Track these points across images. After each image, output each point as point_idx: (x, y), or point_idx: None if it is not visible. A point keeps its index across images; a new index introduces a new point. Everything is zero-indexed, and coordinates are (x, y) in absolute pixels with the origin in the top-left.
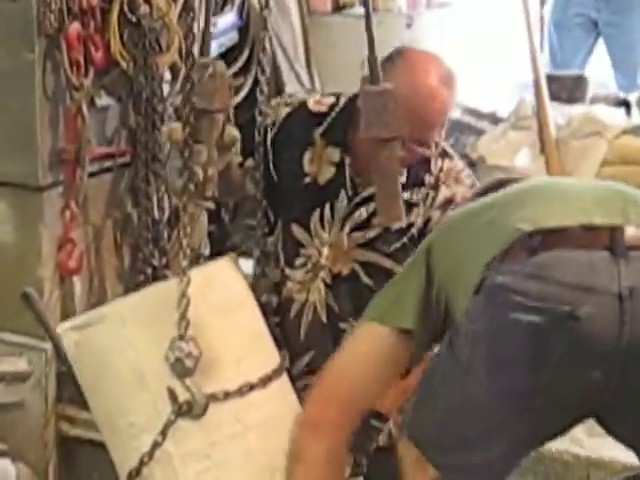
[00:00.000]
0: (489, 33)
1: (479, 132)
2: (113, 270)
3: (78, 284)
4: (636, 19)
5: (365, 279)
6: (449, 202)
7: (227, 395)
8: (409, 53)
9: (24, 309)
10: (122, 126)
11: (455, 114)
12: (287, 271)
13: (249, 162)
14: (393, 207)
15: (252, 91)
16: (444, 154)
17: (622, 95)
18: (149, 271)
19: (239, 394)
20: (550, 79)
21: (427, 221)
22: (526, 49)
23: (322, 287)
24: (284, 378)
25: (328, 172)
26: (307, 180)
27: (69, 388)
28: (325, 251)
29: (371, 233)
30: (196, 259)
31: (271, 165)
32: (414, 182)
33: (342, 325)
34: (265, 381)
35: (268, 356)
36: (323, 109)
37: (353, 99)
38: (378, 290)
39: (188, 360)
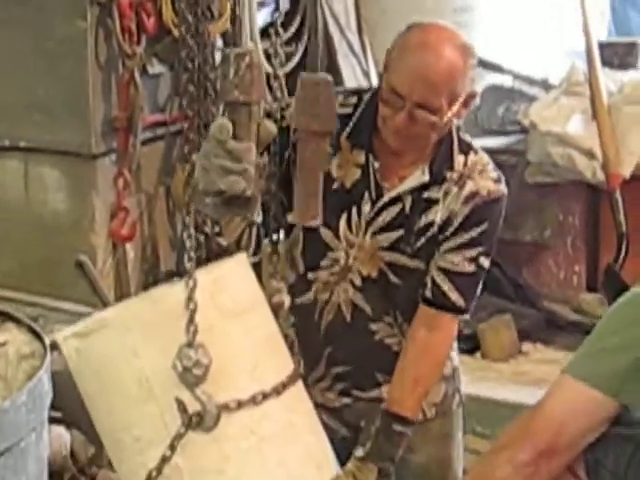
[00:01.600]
0: None
1: (531, 98)
2: (166, 238)
3: (131, 252)
4: None
5: (394, 279)
6: (474, 195)
7: (240, 405)
8: (426, 24)
9: (78, 277)
10: (174, 94)
11: (507, 81)
12: (310, 275)
13: (265, 159)
14: (310, 206)
15: (303, 59)
16: (468, 149)
17: None
18: (202, 239)
19: (253, 403)
20: (602, 45)
21: (449, 217)
22: (579, 14)
23: (350, 288)
24: (299, 385)
25: (354, 175)
26: (335, 185)
27: None
28: (353, 253)
29: (393, 235)
30: (249, 227)
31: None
32: (435, 180)
33: (373, 326)
34: (279, 389)
35: (282, 362)
36: (348, 111)
37: (373, 96)
38: (407, 289)
39: (197, 369)
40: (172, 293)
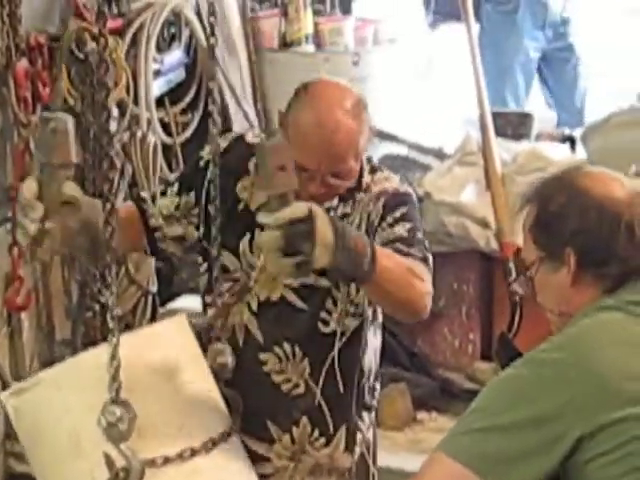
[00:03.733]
0: (435, 69)
1: (425, 168)
2: (61, 306)
3: (26, 321)
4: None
5: (297, 302)
6: (381, 192)
7: (167, 461)
8: (312, 86)
9: None
10: None
11: (402, 150)
12: (208, 298)
13: (185, 199)
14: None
15: (199, 128)
16: (376, 170)
17: (567, 131)
18: (97, 308)
19: (180, 460)
20: (495, 115)
21: (366, 221)
22: (472, 85)
23: (245, 311)
24: (233, 442)
25: (260, 198)
26: (240, 207)
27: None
28: (254, 275)
29: (291, 260)
30: (144, 296)
31: (209, 197)
32: (347, 199)
33: (262, 356)
34: (209, 446)
35: (214, 420)
36: (257, 140)
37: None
38: (310, 314)
39: (121, 424)
40: (100, 352)
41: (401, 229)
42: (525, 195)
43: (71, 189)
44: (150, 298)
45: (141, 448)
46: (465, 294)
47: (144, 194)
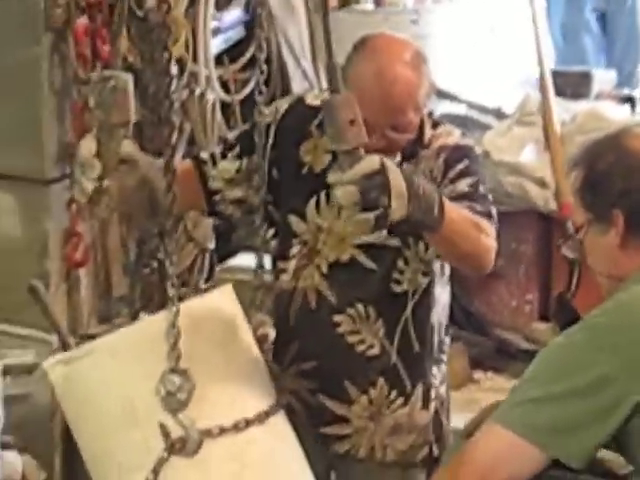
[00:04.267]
0: (496, 28)
1: (484, 127)
2: (119, 264)
3: (84, 277)
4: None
5: (367, 263)
6: (442, 148)
7: (223, 431)
8: (371, 40)
9: (30, 302)
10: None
11: (461, 110)
12: (280, 264)
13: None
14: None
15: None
16: (435, 125)
17: (627, 91)
18: (155, 264)
19: (235, 430)
20: (555, 75)
21: (429, 177)
22: (532, 44)
23: (316, 274)
24: (281, 415)
25: (324, 161)
26: (304, 170)
27: None
28: (322, 237)
29: (371, 215)
30: (202, 253)
31: (272, 161)
32: (408, 156)
33: (336, 318)
34: (262, 417)
35: (265, 391)
36: (319, 103)
37: None
38: (380, 274)
39: (180, 394)
40: (157, 321)
41: (463, 185)
42: (574, 157)
43: (129, 148)
44: (207, 255)
45: (197, 418)
46: (523, 254)
47: (204, 155)
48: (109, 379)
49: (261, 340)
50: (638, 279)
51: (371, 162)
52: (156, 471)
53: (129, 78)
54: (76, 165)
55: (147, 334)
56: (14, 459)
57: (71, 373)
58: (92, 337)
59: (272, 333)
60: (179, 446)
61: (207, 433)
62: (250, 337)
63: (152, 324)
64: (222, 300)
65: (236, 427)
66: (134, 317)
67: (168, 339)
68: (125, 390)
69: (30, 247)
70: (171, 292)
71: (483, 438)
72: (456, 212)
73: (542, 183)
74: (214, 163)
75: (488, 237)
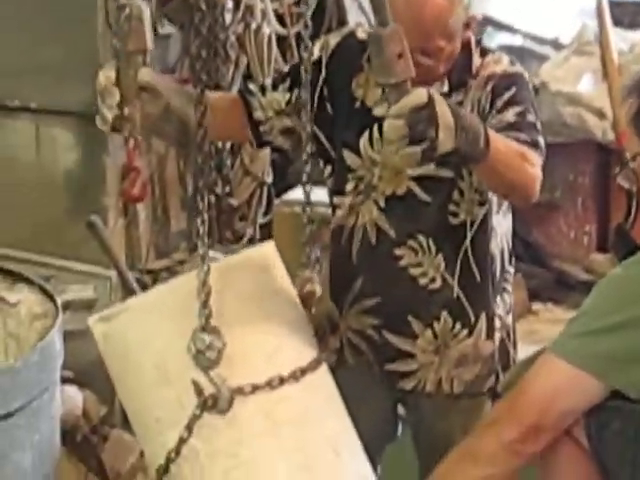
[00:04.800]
0: None
1: (541, 58)
2: (176, 198)
3: (142, 212)
4: None
5: (422, 195)
6: (490, 77)
7: (255, 389)
8: None
9: (89, 238)
10: (184, 54)
11: (517, 40)
12: (336, 200)
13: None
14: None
15: (313, 19)
16: (483, 53)
17: None
18: (212, 199)
19: (269, 388)
20: (613, 4)
21: (477, 107)
22: None
23: (374, 208)
24: (322, 371)
25: (375, 94)
26: (357, 105)
27: None
28: (377, 171)
29: (417, 148)
30: (259, 187)
31: (325, 96)
32: (456, 87)
33: (397, 251)
34: (298, 375)
35: (304, 348)
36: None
37: None
38: (436, 206)
39: (210, 352)
40: (190, 279)
41: (510, 114)
42: (627, 86)
43: (147, 76)
44: (265, 189)
45: (230, 376)
46: (581, 185)
47: (252, 86)
48: (143, 337)
49: (307, 298)
50: None
51: (419, 95)
52: (190, 428)
53: (144, 5)
54: (97, 94)
55: (180, 292)
56: (75, 394)
57: (109, 330)
58: (151, 272)
59: (319, 290)
60: (211, 403)
61: (239, 391)
62: (291, 294)
63: (186, 282)
64: (262, 257)
65: (270, 384)
66: (192, 251)
67: (199, 297)
68: (158, 348)
69: (88, 183)
70: (201, 250)
71: (541, 370)
72: (501, 142)
73: (600, 113)
74: (264, 94)
75: (534, 166)
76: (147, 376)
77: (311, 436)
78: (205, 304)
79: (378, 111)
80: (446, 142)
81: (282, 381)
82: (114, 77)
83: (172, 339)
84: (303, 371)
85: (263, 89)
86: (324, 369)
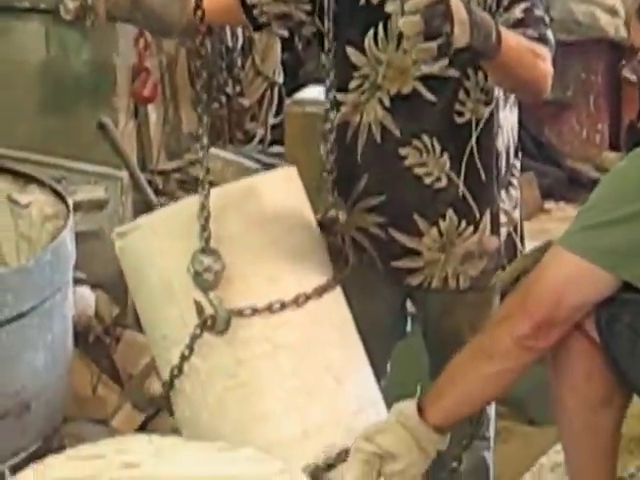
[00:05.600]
0: None
1: None
2: (187, 99)
3: (153, 113)
4: None
5: (428, 95)
6: None
7: (255, 311)
8: None
9: (100, 139)
10: None
11: None
12: (339, 96)
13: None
14: None
15: None
16: None
17: None
18: (223, 99)
19: (269, 311)
20: None
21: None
22: None
23: (378, 107)
24: (330, 298)
25: None
26: (362, 1)
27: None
28: (382, 70)
29: (433, 43)
30: (270, 87)
31: None
32: None
33: (402, 151)
34: (301, 301)
35: (312, 274)
36: None
37: None
38: (441, 106)
39: (208, 274)
40: (196, 201)
41: (517, 11)
42: None
43: None
44: (276, 89)
45: (230, 297)
46: (593, 84)
47: None
48: (151, 254)
49: (331, 222)
50: None
51: None
52: (191, 346)
53: None
54: None
55: (185, 213)
56: (87, 294)
57: (123, 245)
58: (162, 172)
59: (342, 216)
60: (210, 324)
61: (239, 313)
62: (307, 219)
63: (192, 204)
64: (279, 180)
65: (270, 308)
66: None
67: (199, 220)
68: (165, 266)
69: (98, 84)
70: (201, 175)
71: (551, 264)
72: (512, 39)
73: (613, 11)
74: None
75: (545, 62)
76: (155, 293)
77: (311, 362)
78: (205, 227)
79: (387, 7)
80: (461, 37)
81: (283, 306)
82: None
83: (177, 258)
84: (307, 297)
85: None
86: (333, 296)
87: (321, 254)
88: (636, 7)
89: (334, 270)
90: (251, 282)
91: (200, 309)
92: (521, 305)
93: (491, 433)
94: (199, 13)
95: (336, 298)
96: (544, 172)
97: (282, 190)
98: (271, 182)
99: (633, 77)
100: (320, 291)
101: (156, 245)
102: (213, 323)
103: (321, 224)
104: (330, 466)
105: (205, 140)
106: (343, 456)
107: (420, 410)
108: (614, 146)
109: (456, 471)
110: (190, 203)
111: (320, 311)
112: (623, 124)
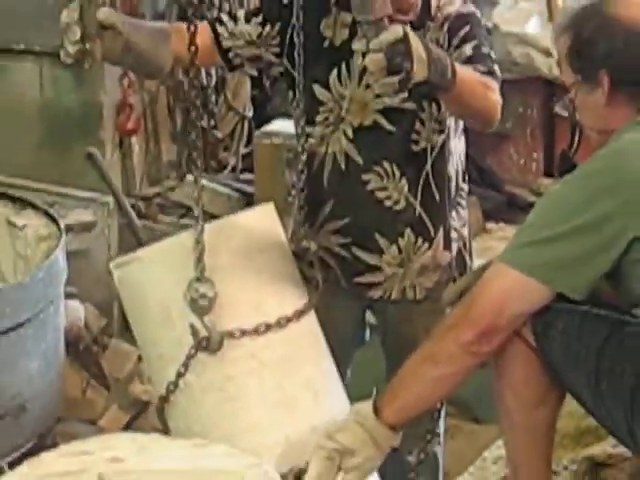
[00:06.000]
0: None
1: (493, 2)
2: (167, 132)
3: (136, 145)
4: None
5: (388, 126)
6: (446, 18)
7: (243, 333)
8: None
9: (88, 168)
10: (173, 2)
11: None
12: (308, 129)
13: (268, 30)
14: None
15: None
16: None
17: None
18: (199, 132)
19: (255, 333)
20: None
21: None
22: None
23: (343, 138)
24: (307, 320)
25: (343, 34)
26: (325, 44)
27: (129, 238)
28: (345, 104)
29: (395, 78)
30: (241, 121)
31: (295, 33)
32: (418, 27)
33: (364, 177)
34: (283, 322)
35: (290, 299)
36: None
37: None
38: (400, 135)
39: (203, 300)
40: (190, 235)
41: (466, 49)
42: (560, 24)
43: (106, 14)
44: (246, 122)
45: (221, 322)
46: (529, 117)
47: (224, 16)
48: (150, 283)
49: (303, 252)
50: (626, 129)
51: (395, 31)
52: (186, 365)
53: None
54: (61, 30)
55: (180, 247)
56: (77, 307)
57: (123, 276)
58: (144, 198)
59: (313, 246)
60: (204, 344)
61: (229, 334)
62: (285, 249)
63: (186, 238)
64: (259, 216)
65: (256, 330)
66: (181, 179)
67: (195, 252)
68: (162, 294)
69: (86, 118)
70: (196, 212)
71: (493, 278)
72: (465, 73)
73: (546, 52)
74: (236, 23)
75: (494, 93)
76: (153, 317)
77: (291, 378)
78: (200, 258)
79: (354, 45)
80: (420, 73)
81: (268, 327)
82: (76, 15)
83: (174, 287)
84: (288, 319)
85: (235, 19)
86: (309, 318)
87: (297, 280)
88: (565, 50)
89: (308, 294)
90: (239, 307)
91: (195, 332)
92: (466, 315)
93: (441, 430)
94: (193, 49)
95: (311, 319)
96: (486, 196)
97: (263, 225)
98: (253, 219)
99: (564, 112)
100: (299, 314)
101: (154, 275)
102: (207, 344)
103: (295, 253)
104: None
105: (199, 184)
106: None
107: (376, 410)
108: (548, 173)
109: (422, 462)
110: (184, 237)
111: (299, 331)
112: (556, 153)
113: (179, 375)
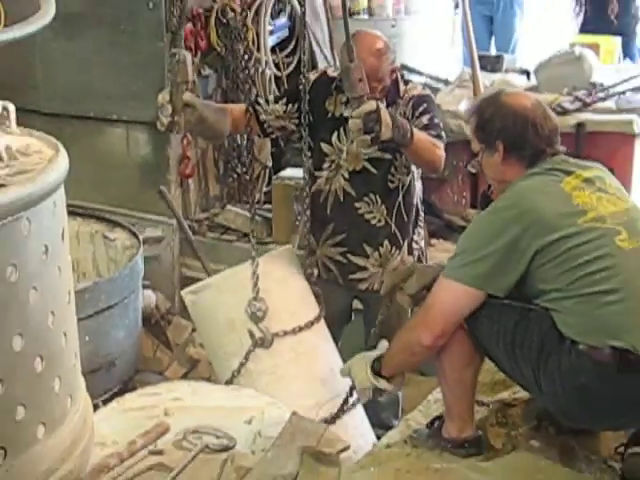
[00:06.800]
0: (439, 29)
1: (436, 90)
2: (213, 176)
3: (192, 184)
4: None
5: (372, 170)
6: (410, 98)
7: (285, 333)
8: (357, 35)
9: (159, 200)
10: (218, 87)
11: (422, 79)
12: (316, 173)
13: (290, 107)
14: (362, 85)
15: (297, 66)
16: (406, 83)
17: (524, 67)
18: (235, 176)
19: (292, 333)
20: (480, 57)
21: (401, 117)
22: (464, 39)
23: (341, 179)
24: (321, 323)
25: (340, 109)
26: (329, 116)
27: (187, 247)
28: (343, 156)
29: (368, 136)
30: (264, 169)
31: (309, 110)
32: (391, 103)
33: (357, 204)
34: (310, 325)
35: (311, 309)
36: (335, 74)
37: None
38: (380, 176)
39: (259, 312)
40: (246, 268)
41: (424, 119)
42: (469, 109)
43: (188, 97)
44: (267, 170)
45: (270, 326)
46: (461, 168)
47: (260, 100)
48: (218, 304)
49: (309, 277)
50: (521, 179)
51: (371, 104)
52: (247, 357)
53: (187, 53)
54: (157, 108)
55: (239, 276)
56: (150, 294)
57: (196, 300)
58: (197, 220)
59: (315, 272)
60: (260, 342)
61: (276, 334)
62: (301, 275)
63: (243, 270)
64: (284, 254)
65: (293, 331)
66: (222, 208)
67: (252, 279)
68: (228, 310)
69: (158, 166)
70: (253, 252)
71: (442, 290)
72: (421, 135)
73: None
74: (268, 104)
75: (440, 150)
76: (221, 327)
77: (317, 361)
78: (255, 283)
79: (346, 112)
80: (386, 133)
81: (300, 329)
82: (168, 97)
83: (237, 304)
84: (312, 322)
85: (267, 102)
86: (322, 322)
87: (312, 298)
88: (472, 128)
89: (319, 305)
90: (282, 316)
91: (252, 334)
92: (424, 322)
93: None
94: (249, 129)
95: (322, 321)
96: (430, 221)
97: (288, 261)
98: (282, 256)
99: (474, 170)
100: (318, 318)
101: (222, 297)
102: (262, 342)
103: (306, 278)
104: (334, 418)
105: (254, 232)
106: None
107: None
108: (473, 206)
109: (388, 402)
110: (241, 269)
111: (318, 330)
112: (479, 193)
113: (241, 365)
